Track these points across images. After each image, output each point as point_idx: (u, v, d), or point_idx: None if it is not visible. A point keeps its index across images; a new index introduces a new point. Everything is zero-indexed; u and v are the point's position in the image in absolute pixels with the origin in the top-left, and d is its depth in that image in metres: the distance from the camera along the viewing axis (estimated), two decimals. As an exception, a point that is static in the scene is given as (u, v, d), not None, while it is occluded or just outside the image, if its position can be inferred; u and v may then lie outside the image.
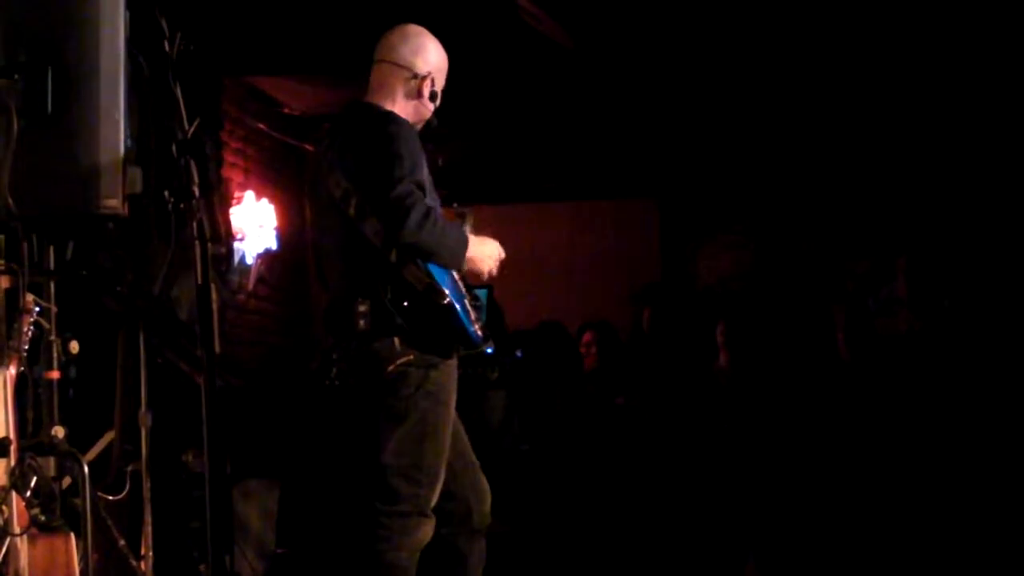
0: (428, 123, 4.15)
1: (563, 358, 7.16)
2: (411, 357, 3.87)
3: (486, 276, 4.11)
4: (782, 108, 7.81)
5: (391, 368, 3.87)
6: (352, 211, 3.89)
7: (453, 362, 3.97)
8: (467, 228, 4.11)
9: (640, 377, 7.00)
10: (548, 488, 6.56)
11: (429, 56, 4.11)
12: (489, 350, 4.25)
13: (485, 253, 4.09)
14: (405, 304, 3.84)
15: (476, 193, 7.20)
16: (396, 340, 3.86)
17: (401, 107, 4.06)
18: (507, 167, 8.63)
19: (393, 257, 3.84)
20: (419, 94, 4.08)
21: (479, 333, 3.97)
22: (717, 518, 6.13)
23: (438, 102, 4.13)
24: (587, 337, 7.27)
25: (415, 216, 3.76)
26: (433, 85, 4.10)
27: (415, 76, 4.07)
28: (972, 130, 7.33)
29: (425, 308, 3.85)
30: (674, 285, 8.34)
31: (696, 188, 8.54)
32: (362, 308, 3.87)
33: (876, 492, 5.81)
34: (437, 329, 3.87)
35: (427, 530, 3.91)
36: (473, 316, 3.97)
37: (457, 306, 3.86)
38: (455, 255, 3.97)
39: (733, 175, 8.30)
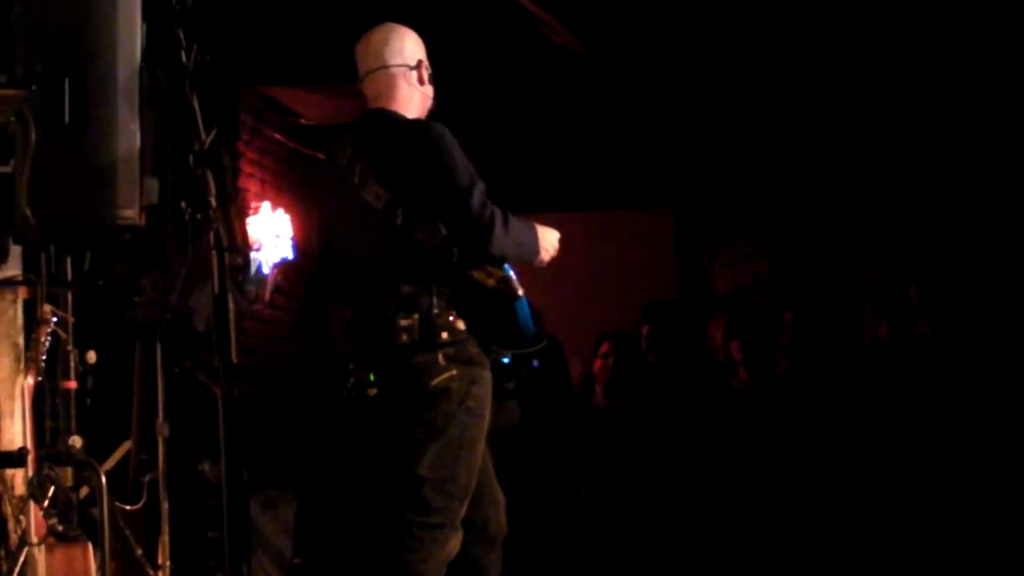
0: (432, 111, 4.16)
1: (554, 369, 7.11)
2: (454, 372, 3.85)
3: (545, 262, 4.08)
4: (798, 117, 7.79)
5: (434, 383, 3.85)
6: (400, 220, 3.87)
7: (490, 375, 3.97)
8: None
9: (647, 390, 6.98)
10: (564, 497, 6.55)
11: (412, 45, 4.13)
12: (505, 360, 4.24)
13: (550, 239, 4.07)
14: (451, 319, 3.84)
15: (493, 202, 7.20)
16: (439, 355, 3.84)
17: (412, 108, 4.08)
18: (524, 177, 8.62)
19: (455, 257, 3.83)
20: (421, 82, 4.10)
21: (533, 332, 3.97)
22: (735, 531, 6.12)
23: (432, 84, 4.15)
24: (605, 347, 7.24)
25: (498, 227, 3.78)
26: (429, 70, 4.13)
27: (411, 68, 4.09)
28: (989, 137, 7.30)
29: (485, 303, 3.84)
30: (685, 298, 8.32)
31: (712, 198, 8.53)
32: (404, 322, 3.84)
33: (898, 502, 5.80)
34: (498, 325, 3.87)
35: (456, 543, 3.91)
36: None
37: (524, 299, 3.87)
38: (528, 251, 3.97)
39: (749, 184, 8.28)
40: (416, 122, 4.02)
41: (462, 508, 3.90)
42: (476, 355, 3.89)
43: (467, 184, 3.81)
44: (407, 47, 4.11)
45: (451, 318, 3.84)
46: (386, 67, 4.09)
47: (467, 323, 3.85)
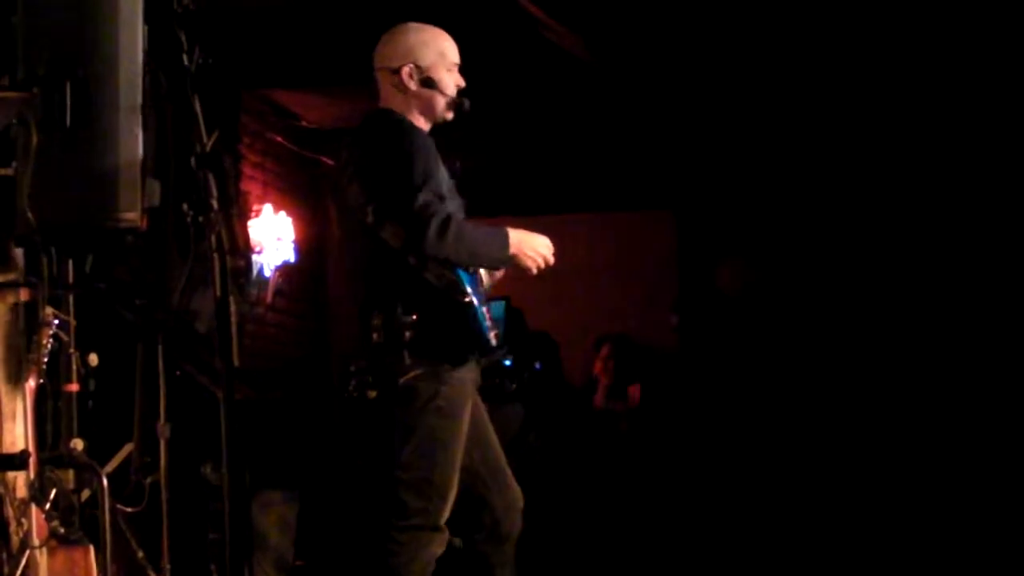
0: (460, 107, 4.10)
1: (548, 367, 7.13)
2: (420, 372, 3.87)
3: (533, 272, 4.07)
4: (800, 121, 7.79)
5: (401, 382, 3.88)
6: (370, 219, 3.90)
7: (466, 375, 3.96)
8: None
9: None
10: (564, 498, 6.56)
11: (401, 47, 4.08)
12: (507, 362, 4.24)
13: (533, 246, 4.06)
14: (414, 317, 3.85)
15: (496, 205, 7.20)
16: (405, 354, 3.86)
17: (408, 108, 4.06)
18: (526, 179, 8.63)
19: (413, 260, 3.85)
20: (404, 87, 4.06)
21: (494, 340, 3.96)
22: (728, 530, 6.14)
23: (444, 88, 4.07)
24: (604, 351, 7.26)
25: (434, 227, 3.76)
26: (423, 72, 4.05)
27: (394, 72, 4.06)
28: (983, 144, 7.30)
29: (443, 306, 3.85)
30: (687, 301, 8.34)
31: (714, 201, 8.53)
32: (376, 321, 3.88)
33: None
34: (452, 329, 3.87)
35: (438, 544, 3.92)
36: (490, 322, 3.96)
37: (477, 305, 3.87)
38: (487, 258, 3.97)
39: (750, 188, 8.28)
40: (392, 120, 4.02)
41: (442, 509, 3.90)
42: (446, 355, 3.90)
43: (417, 184, 3.80)
44: (396, 50, 4.08)
45: (415, 318, 3.85)
46: (376, 69, 4.13)
47: (425, 324, 3.85)
